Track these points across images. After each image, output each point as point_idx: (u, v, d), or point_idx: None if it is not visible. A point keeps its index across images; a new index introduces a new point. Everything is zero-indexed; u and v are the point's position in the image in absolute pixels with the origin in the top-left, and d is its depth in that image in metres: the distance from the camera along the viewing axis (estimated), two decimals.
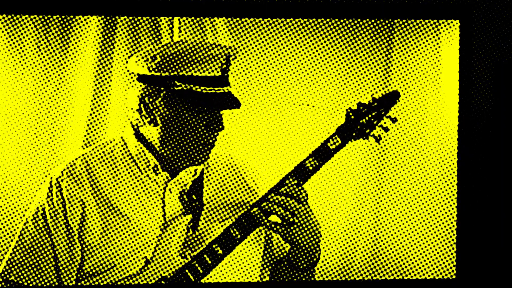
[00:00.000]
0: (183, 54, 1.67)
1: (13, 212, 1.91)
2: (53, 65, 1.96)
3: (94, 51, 1.99)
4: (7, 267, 1.71)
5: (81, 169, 1.73)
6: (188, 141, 1.69)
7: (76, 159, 1.74)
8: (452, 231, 1.98)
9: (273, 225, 1.66)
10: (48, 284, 1.70)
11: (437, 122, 2.01)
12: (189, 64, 1.66)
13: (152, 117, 1.69)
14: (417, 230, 1.99)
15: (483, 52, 2.06)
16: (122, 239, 1.70)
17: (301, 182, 1.69)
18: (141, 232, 1.71)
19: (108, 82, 2.00)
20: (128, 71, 2.00)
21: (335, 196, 2.00)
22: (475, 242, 2.01)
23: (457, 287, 1.95)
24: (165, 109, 1.68)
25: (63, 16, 1.95)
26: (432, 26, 1.99)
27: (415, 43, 2.01)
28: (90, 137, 1.99)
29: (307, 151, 1.75)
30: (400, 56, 2.01)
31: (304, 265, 1.69)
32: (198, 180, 1.77)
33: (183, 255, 1.72)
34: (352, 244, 2.02)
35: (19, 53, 1.94)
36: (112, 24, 1.99)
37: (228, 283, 1.68)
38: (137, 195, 1.72)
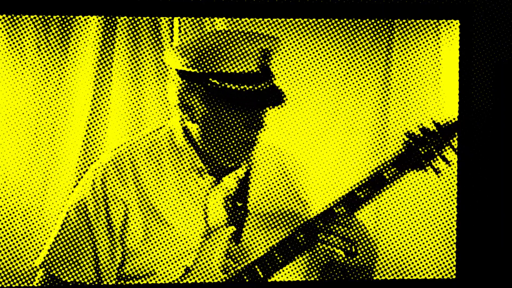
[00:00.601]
0: (219, 48, 1.60)
1: (13, 212, 1.91)
2: (53, 65, 1.96)
3: (94, 51, 1.99)
4: (47, 258, 1.65)
5: (126, 162, 1.66)
6: (227, 140, 1.62)
7: (122, 150, 1.67)
8: (452, 231, 1.98)
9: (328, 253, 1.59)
10: (87, 281, 1.65)
11: (437, 122, 2.01)
12: (224, 60, 1.58)
13: (190, 114, 1.63)
14: (417, 230, 1.99)
15: (483, 52, 2.06)
16: (163, 245, 1.64)
17: (350, 211, 1.62)
18: (182, 240, 1.64)
19: (108, 82, 2.00)
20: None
21: (335, 196, 2.00)
22: (475, 242, 2.01)
23: (457, 287, 1.95)
24: (203, 106, 1.61)
25: (63, 16, 1.95)
26: (432, 26, 1.99)
27: (415, 43, 2.01)
28: (90, 137, 1.99)
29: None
30: (400, 56, 2.01)
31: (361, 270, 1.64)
32: (243, 186, 1.71)
33: (224, 268, 1.66)
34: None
35: (19, 53, 1.94)
36: (112, 24, 1.99)
37: (231, 283, 1.68)
38: (180, 200, 1.66)
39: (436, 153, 1.63)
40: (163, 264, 1.64)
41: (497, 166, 2.03)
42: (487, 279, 2.05)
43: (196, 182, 1.67)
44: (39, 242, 1.93)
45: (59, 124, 1.97)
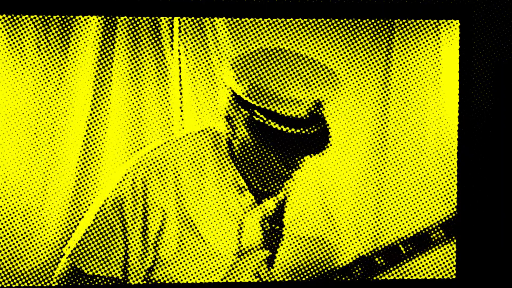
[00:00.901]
0: (274, 83, 1.56)
1: (13, 212, 1.91)
2: (53, 65, 1.96)
3: (94, 51, 1.99)
4: (76, 250, 1.62)
5: (168, 162, 1.62)
6: (263, 170, 1.59)
7: (163, 147, 1.64)
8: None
9: None
10: (114, 277, 1.62)
11: (437, 122, 2.01)
12: (275, 98, 1.54)
13: (233, 132, 1.60)
14: (417, 230, 1.99)
15: (483, 52, 2.06)
16: (195, 258, 1.61)
17: (390, 265, 1.62)
18: (214, 255, 1.61)
19: (108, 82, 2.00)
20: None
21: (336, 196, 2.00)
22: (475, 242, 2.01)
23: (457, 287, 1.95)
24: (246, 131, 1.58)
25: (63, 16, 1.95)
26: (432, 26, 1.99)
27: (415, 43, 2.01)
28: (90, 137, 1.99)
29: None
30: (400, 56, 2.01)
31: None
32: (279, 210, 1.69)
33: None
34: (352, 244, 2.02)
35: (19, 53, 1.94)
36: (112, 24, 1.99)
37: (228, 283, 1.68)
38: (218, 215, 1.62)
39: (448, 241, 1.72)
40: (193, 277, 1.61)
41: (497, 166, 2.03)
42: (487, 279, 2.05)
43: (237, 199, 1.64)
44: (40, 242, 1.93)
45: (59, 124, 1.97)
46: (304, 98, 1.55)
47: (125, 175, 1.63)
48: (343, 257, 1.76)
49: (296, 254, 1.68)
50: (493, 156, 2.05)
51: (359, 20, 1.98)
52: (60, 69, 1.97)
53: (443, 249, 2.00)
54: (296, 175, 1.69)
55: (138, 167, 1.62)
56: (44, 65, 1.95)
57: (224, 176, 1.64)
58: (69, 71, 1.98)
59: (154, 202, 1.60)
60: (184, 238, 1.61)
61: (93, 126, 1.99)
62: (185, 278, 1.60)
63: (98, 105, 2.00)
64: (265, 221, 1.65)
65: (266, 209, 1.65)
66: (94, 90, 1.99)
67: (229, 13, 1.92)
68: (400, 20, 1.99)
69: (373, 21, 1.99)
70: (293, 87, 1.56)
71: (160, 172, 1.61)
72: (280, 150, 1.56)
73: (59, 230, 1.96)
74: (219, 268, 1.61)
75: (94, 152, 1.99)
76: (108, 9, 1.90)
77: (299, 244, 1.69)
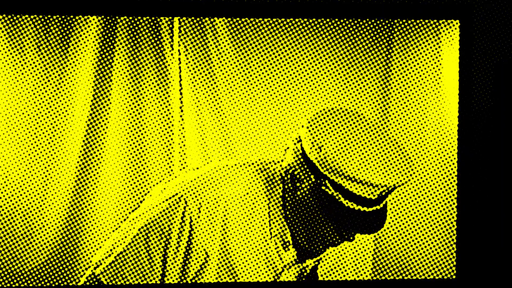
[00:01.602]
0: (350, 159, 1.50)
1: (13, 212, 1.91)
2: (53, 65, 1.96)
3: (94, 51, 1.99)
4: (106, 270, 1.53)
5: (217, 197, 1.54)
6: (313, 234, 1.54)
7: (217, 175, 1.56)
8: (452, 231, 1.98)
9: None
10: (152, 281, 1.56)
11: (437, 122, 2.01)
12: (349, 175, 1.48)
13: (294, 190, 1.53)
14: (417, 230, 1.99)
15: (483, 52, 2.06)
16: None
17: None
18: None
19: (108, 82, 2.00)
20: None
21: None
22: (475, 242, 2.01)
23: (457, 287, 1.95)
24: (308, 194, 1.52)
25: (63, 16, 1.95)
26: (432, 26, 1.99)
27: (415, 43, 2.01)
28: (90, 137, 1.99)
29: None
30: (400, 56, 2.01)
31: None
32: (314, 269, 1.66)
33: None
34: (352, 244, 2.02)
35: (19, 53, 1.94)
36: (112, 24, 1.99)
37: (228, 283, 1.68)
38: (258, 265, 1.57)
39: None
40: None
41: (497, 166, 2.03)
42: (487, 279, 2.05)
43: (280, 253, 1.59)
44: (40, 243, 1.93)
45: (59, 124, 1.97)
46: (379, 183, 1.49)
47: (170, 198, 1.55)
48: None
49: None
50: (493, 156, 2.05)
51: (359, 20, 1.98)
52: (60, 69, 1.97)
53: (443, 249, 2.00)
54: None
55: (187, 194, 1.54)
56: (44, 65, 1.95)
57: (272, 225, 1.58)
58: (69, 71, 1.98)
59: (198, 240, 1.53)
60: (220, 274, 1.55)
61: (93, 126, 1.99)
62: None
63: (98, 105, 2.00)
64: (302, 279, 1.63)
65: (304, 268, 1.62)
66: (94, 90, 1.99)
67: (229, 13, 1.92)
68: (400, 20, 1.99)
69: (373, 21, 1.99)
70: (368, 169, 1.50)
71: (208, 209, 1.53)
72: (340, 223, 1.51)
73: (59, 230, 1.96)
74: None
75: (94, 152, 1.99)
76: (108, 9, 1.90)
77: None
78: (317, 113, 1.57)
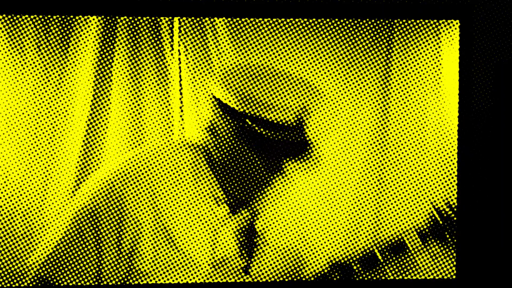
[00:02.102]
0: (261, 91, 1.60)
1: (13, 212, 1.91)
2: (53, 65, 1.96)
3: (94, 51, 1.99)
4: (49, 258, 1.61)
5: (143, 171, 1.63)
6: (243, 177, 1.62)
7: (137, 154, 1.65)
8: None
9: None
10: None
11: (437, 122, 2.01)
12: (264, 105, 1.59)
13: (216, 142, 1.62)
14: (417, 230, 1.99)
15: (483, 52, 2.06)
16: (172, 269, 1.61)
17: (366, 270, 1.65)
18: (190, 266, 1.62)
19: (108, 82, 2.00)
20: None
21: (336, 195, 2.00)
22: (475, 242, 2.01)
23: (457, 287, 1.95)
24: (231, 140, 1.61)
25: (63, 16, 1.95)
26: (432, 26, 1.99)
27: (415, 43, 2.01)
28: (90, 137, 1.99)
29: None
30: (400, 56, 2.01)
31: None
32: (253, 220, 1.70)
33: None
34: (352, 244, 2.02)
35: (19, 53, 1.94)
36: (112, 24, 1.99)
37: (228, 283, 1.68)
38: (194, 226, 1.63)
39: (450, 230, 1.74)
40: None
41: (497, 166, 2.03)
42: (487, 279, 2.04)
43: (212, 210, 1.65)
44: (40, 243, 1.93)
45: (59, 124, 1.97)
46: (292, 105, 1.59)
47: (100, 185, 1.62)
48: (320, 264, 1.78)
49: (272, 263, 1.70)
50: (493, 156, 2.05)
51: (359, 20, 1.98)
52: (60, 69, 1.97)
53: (443, 249, 2.00)
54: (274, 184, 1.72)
55: (114, 177, 1.61)
56: (44, 65, 1.95)
57: (201, 187, 1.65)
58: (69, 71, 1.98)
59: (129, 212, 1.59)
60: (159, 248, 1.60)
61: (93, 126, 1.99)
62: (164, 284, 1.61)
63: (98, 105, 2.00)
64: (240, 231, 1.66)
65: (241, 220, 1.66)
66: (94, 90, 1.99)
67: (229, 13, 1.92)
68: (400, 20, 1.99)
69: (373, 21, 1.99)
70: (280, 94, 1.61)
71: (135, 182, 1.61)
72: (265, 155, 1.59)
73: (59, 230, 1.96)
74: (194, 278, 1.61)
75: (94, 152, 1.99)
76: (108, 9, 1.90)
77: (274, 252, 1.71)
78: (227, 67, 1.64)
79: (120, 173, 1.62)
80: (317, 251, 1.83)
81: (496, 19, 2.06)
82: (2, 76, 1.93)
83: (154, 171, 1.64)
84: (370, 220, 2.03)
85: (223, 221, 1.66)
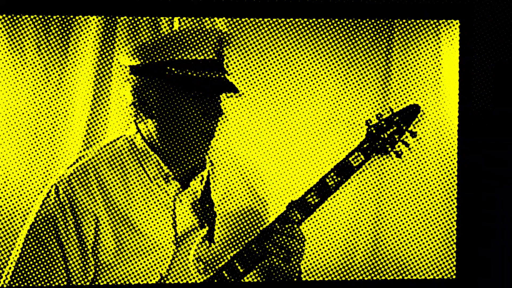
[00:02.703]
0: (176, 40, 1.61)
1: (13, 212, 1.91)
2: (53, 65, 1.96)
3: (94, 51, 1.99)
4: (16, 268, 1.63)
5: (90, 172, 1.64)
6: (186, 131, 1.61)
7: (84, 162, 1.66)
8: (452, 231, 1.98)
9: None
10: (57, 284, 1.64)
11: (437, 122, 2.01)
12: (183, 48, 1.60)
13: (148, 110, 1.62)
14: (417, 230, 1.99)
15: (483, 52, 2.06)
16: (136, 255, 1.62)
17: (322, 200, 1.63)
18: (154, 248, 1.63)
19: (108, 82, 2.00)
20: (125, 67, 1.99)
21: (336, 195, 2.00)
22: (475, 242, 2.01)
23: (457, 287, 1.95)
24: (160, 99, 1.61)
25: (63, 16, 1.95)
26: (432, 26, 1.99)
27: (415, 43, 2.01)
28: (90, 137, 1.99)
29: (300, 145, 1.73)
30: (400, 56, 2.01)
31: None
32: (206, 188, 1.70)
33: (200, 271, 1.66)
34: (352, 244, 2.02)
35: (19, 53, 1.94)
36: (112, 24, 1.99)
37: (228, 283, 1.68)
38: (148, 207, 1.64)
39: (397, 139, 1.68)
40: (137, 274, 1.63)
41: (497, 166, 2.03)
42: (487, 279, 2.05)
43: (163, 188, 1.66)
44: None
45: (59, 124, 1.97)
46: (208, 38, 1.61)
47: (49, 191, 1.64)
48: (274, 209, 1.77)
49: (230, 225, 1.70)
50: (493, 156, 2.05)
51: (359, 20, 1.98)
52: (60, 69, 1.97)
53: (443, 249, 2.00)
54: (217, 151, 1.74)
55: (61, 180, 1.63)
56: (44, 65, 1.95)
57: (147, 170, 1.66)
58: (69, 71, 1.98)
59: (83, 209, 1.61)
60: (121, 237, 1.62)
61: (93, 126, 1.99)
62: (128, 275, 1.61)
63: (98, 105, 2.00)
64: (196, 202, 1.67)
65: (193, 191, 1.67)
66: (94, 90, 1.99)
67: (229, 13, 1.92)
68: (400, 20, 1.99)
69: (373, 21, 1.99)
70: (197, 33, 1.63)
71: (83, 180, 1.63)
72: (199, 97, 1.60)
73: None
74: (160, 258, 1.63)
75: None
76: (108, 9, 1.90)
77: (229, 216, 1.71)
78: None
79: (65, 176, 1.64)
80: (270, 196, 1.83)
81: (496, 19, 2.06)
82: (2, 76, 1.93)
83: (100, 166, 1.66)
84: (392, 214, 2.03)
85: (176, 196, 1.66)
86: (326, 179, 1.64)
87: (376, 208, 2.02)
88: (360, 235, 2.02)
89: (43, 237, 1.61)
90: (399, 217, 2.00)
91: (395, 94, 2.01)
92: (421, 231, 2.00)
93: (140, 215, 1.64)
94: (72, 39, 1.98)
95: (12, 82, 1.93)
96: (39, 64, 1.95)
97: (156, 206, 1.65)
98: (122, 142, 1.69)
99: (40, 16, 1.93)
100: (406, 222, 1.99)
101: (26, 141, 1.94)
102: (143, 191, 1.65)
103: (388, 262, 2.00)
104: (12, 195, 1.92)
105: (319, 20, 1.98)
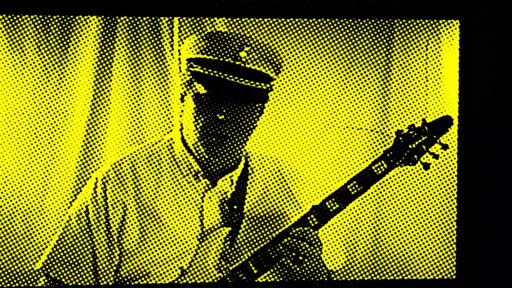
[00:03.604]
0: (237, 43, 1.63)
1: (14, 212, 1.92)
2: (53, 65, 1.96)
3: (94, 51, 1.99)
4: (48, 262, 1.67)
5: (127, 169, 1.69)
6: (226, 131, 1.62)
7: (123, 158, 1.70)
8: (452, 231, 1.98)
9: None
10: (85, 282, 1.67)
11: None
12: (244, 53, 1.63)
13: (195, 105, 1.64)
14: (417, 230, 1.99)
15: (483, 52, 2.06)
16: (160, 247, 1.66)
17: (341, 207, 1.64)
18: (178, 241, 1.66)
19: (108, 82, 2.00)
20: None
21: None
22: (475, 242, 2.01)
23: (457, 287, 1.95)
24: (205, 102, 1.62)
25: (63, 16, 1.95)
26: (432, 26, 1.99)
27: (415, 43, 2.01)
28: (90, 137, 1.99)
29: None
30: (400, 56, 2.01)
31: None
32: (239, 190, 1.72)
33: (219, 268, 1.67)
34: (352, 244, 2.02)
35: (19, 53, 1.94)
36: (112, 24, 1.99)
37: (228, 283, 1.68)
38: (177, 202, 1.68)
39: (425, 149, 1.66)
40: (159, 265, 1.66)
41: (497, 166, 2.03)
42: (487, 279, 2.05)
43: (193, 185, 1.69)
44: (40, 242, 1.93)
45: (59, 124, 1.97)
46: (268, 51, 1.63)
47: (87, 186, 1.71)
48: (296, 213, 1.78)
49: (255, 227, 1.71)
50: (493, 156, 2.05)
51: (359, 20, 1.98)
52: (60, 69, 1.97)
53: (443, 249, 2.00)
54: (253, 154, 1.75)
55: (97, 177, 1.70)
56: (44, 65, 1.95)
57: (179, 167, 1.70)
58: (69, 71, 1.98)
59: (114, 199, 1.67)
60: (147, 229, 1.66)
61: (93, 126, 1.99)
62: (150, 266, 1.65)
63: (98, 105, 2.00)
64: (224, 200, 1.69)
65: (222, 190, 1.69)
66: (94, 90, 1.99)
67: (229, 13, 1.92)
68: (400, 20, 1.99)
69: (373, 21, 1.99)
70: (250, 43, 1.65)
71: (118, 174, 1.69)
72: (241, 104, 1.62)
73: (59, 230, 1.96)
74: (183, 253, 1.66)
75: (94, 152, 1.99)
76: (108, 9, 1.90)
77: (256, 218, 1.73)
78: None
79: (102, 172, 1.70)
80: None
81: (496, 19, 2.06)
82: (2, 76, 1.93)
83: (137, 160, 1.71)
84: (392, 215, 2.03)
85: (204, 192, 1.69)
86: (347, 186, 1.64)
87: (376, 208, 2.02)
88: (360, 235, 2.02)
89: (77, 227, 1.67)
90: (399, 217, 2.00)
91: (395, 94, 2.01)
92: (421, 231, 2.00)
93: (167, 209, 1.67)
94: (72, 39, 1.98)
95: (12, 82, 1.93)
96: (39, 64, 1.95)
97: (184, 201, 1.68)
98: (160, 144, 1.73)
99: (40, 16, 1.93)
100: (406, 222, 1.99)
101: (26, 141, 1.94)
102: (173, 186, 1.69)
103: (388, 262, 2.00)
104: (12, 195, 1.92)
105: (319, 20, 1.98)
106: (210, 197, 1.68)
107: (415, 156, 1.66)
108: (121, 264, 1.66)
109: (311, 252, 1.60)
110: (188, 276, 1.65)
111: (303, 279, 1.63)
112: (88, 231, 1.66)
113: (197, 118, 1.63)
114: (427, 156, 1.67)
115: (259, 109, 1.66)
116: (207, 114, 1.62)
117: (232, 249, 1.68)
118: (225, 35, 1.64)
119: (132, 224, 1.66)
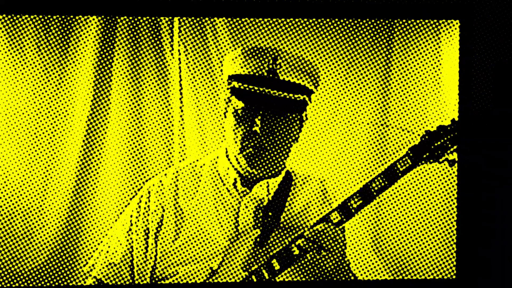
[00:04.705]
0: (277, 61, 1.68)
1: (14, 212, 1.92)
2: (53, 65, 1.96)
3: (94, 51, 1.99)
4: (93, 263, 1.75)
5: (170, 179, 1.77)
6: (259, 147, 1.69)
7: (168, 172, 1.78)
8: (452, 231, 1.98)
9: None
10: (123, 281, 1.73)
11: (437, 122, 2.01)
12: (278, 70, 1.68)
13: (234, 120, 1.70)
14: (417, 230, 2.00)
15: (483, 52, 2.06)
16: (194, 249, 1.72)
17: (364, 204, 1.68)
18: (211, 243, 1.72)
19: (108, 82, 2.00)
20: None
21: (336, 196, 2.00)
22: (475, 242, 2.01)
23: (457, 287, 1.95)
24: (246, 113, 1.69)
25: (63, 16, 1.95)
26: (432, 26, 1.99)
27: (415, 43, 2.01)
28: (90, 137, 1.99)
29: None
30: (400, 56, 2.02)
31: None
32: (278, 198, 1.76)
33: (245, 267, 1.71)
34: (353, 244, 2.02)
35: (19, 53, 1.94)
36: (112, 24, 2.00)
37: (228, 283, 1.68)
38: (215, 207, 1.74)
39: (450, 145, 1.70)
40: (191, 265, 1.70)
41: (497, 166, 2.03)
42: (487, 279, 2.05)
43: (230, 193, 1.75)
44: (39, 242, 1.93)
45: (59, 124, 1.97)
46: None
47: (135, 197, 1.80)
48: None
49: (285, 239, 1.75)
50: (493, 156, 2.05)
51: (359, 20, 1.98)
52: (60, 69, 1.97)
53: (443, 249, 2.00)
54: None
55: (144, 187, 1.79)
56: (44, 65, 1.96)
57: (221, 178, 1.77)
58: (69, 71, 1.98)
59: (154, 210, 1.75)
60: (181, 227, 1.72)
61: (93, 126, 1.99)
62: (184, 265, 1.70)
63: (98, 105, 2.00)
64: (259, 208, 1.74)
65: (257, 197, 1.74)
66: (94, 90, 2.00)
67: (229, 13, 1.92)
68: (400, 20, 1.99)
69: (373, 21, 1.99)
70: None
71: (162, 184, 1.77)
72: (287, 119, 1.68)
73: (59, 230, 1.96)
74: (214, 253, 1.71)
75: (94, 152, 1.99)
76: (108, 9, 1.90)
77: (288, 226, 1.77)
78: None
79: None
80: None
81: (496, 19, 2.06)
82: (2, 76, 1.93)
83: (185, 174, 1.79)
84: (392, 214, 2.03)
85: (241, 197, 1.74)
86: (372, 184, 1.68)
87: (376, 208, 2.02)
88: (360, 235, 2.02)
89: (123, 232, 1.76)
90: (399, 217, 2.00)
91: (395, 94, 2.02)
92: (421, 231, 2.00)
93: (203, 213, 1.74)
94: (72, 39, 1.98)
95: (12, 82, 1.94)
96: (39, 64, 1.95)
97: (221, 206, 1.75)
98: (205, 159, 1.81)
99: (40, 16, 1.93)
100: (406, 222, 1.99)
101: (26, 141, 1.94)
102: (211, 192, 1.76)
103: (388, 262, 2.00)
104: (12, 195, 1.92)
105: (319, 20, 1.98)
106: (246, 203, 1.74)
107: (440, 152, 1.69)
108: (156, 262, 1.72)
109: (334, 248, 1.63)
110: (217, 278, 1.70)
111: (325, 276, 1.66)
112: (128, 234, 1.74)
113: (236, 132, 1.69)
114: (451, 152, 1.69)
115: (297, 121, 1.72)
116: (244, 127, 1.68)
117: (260, 250, 1.72)
118: (261, 49, 1.69)
119: (168, 225, 1.73)
